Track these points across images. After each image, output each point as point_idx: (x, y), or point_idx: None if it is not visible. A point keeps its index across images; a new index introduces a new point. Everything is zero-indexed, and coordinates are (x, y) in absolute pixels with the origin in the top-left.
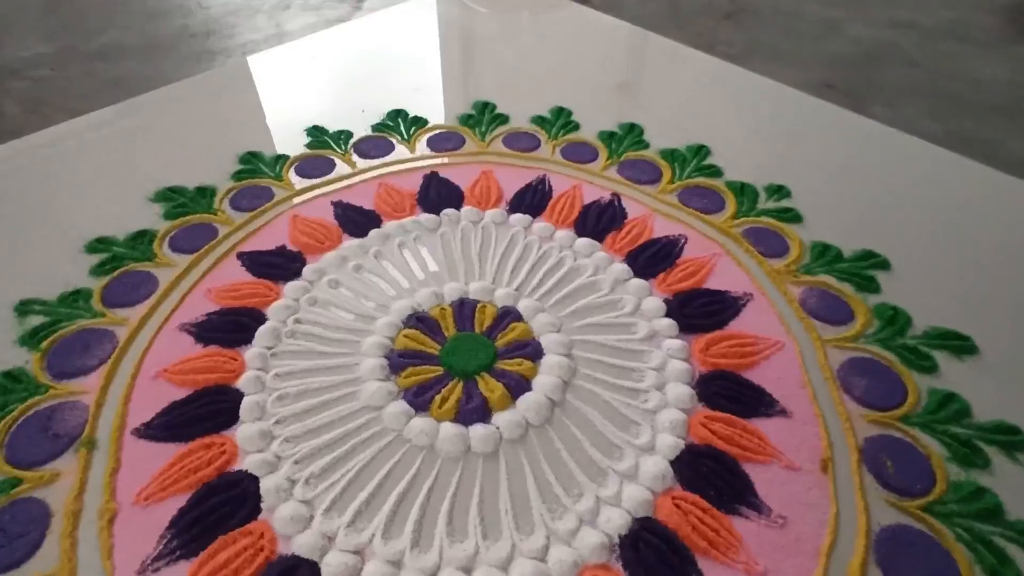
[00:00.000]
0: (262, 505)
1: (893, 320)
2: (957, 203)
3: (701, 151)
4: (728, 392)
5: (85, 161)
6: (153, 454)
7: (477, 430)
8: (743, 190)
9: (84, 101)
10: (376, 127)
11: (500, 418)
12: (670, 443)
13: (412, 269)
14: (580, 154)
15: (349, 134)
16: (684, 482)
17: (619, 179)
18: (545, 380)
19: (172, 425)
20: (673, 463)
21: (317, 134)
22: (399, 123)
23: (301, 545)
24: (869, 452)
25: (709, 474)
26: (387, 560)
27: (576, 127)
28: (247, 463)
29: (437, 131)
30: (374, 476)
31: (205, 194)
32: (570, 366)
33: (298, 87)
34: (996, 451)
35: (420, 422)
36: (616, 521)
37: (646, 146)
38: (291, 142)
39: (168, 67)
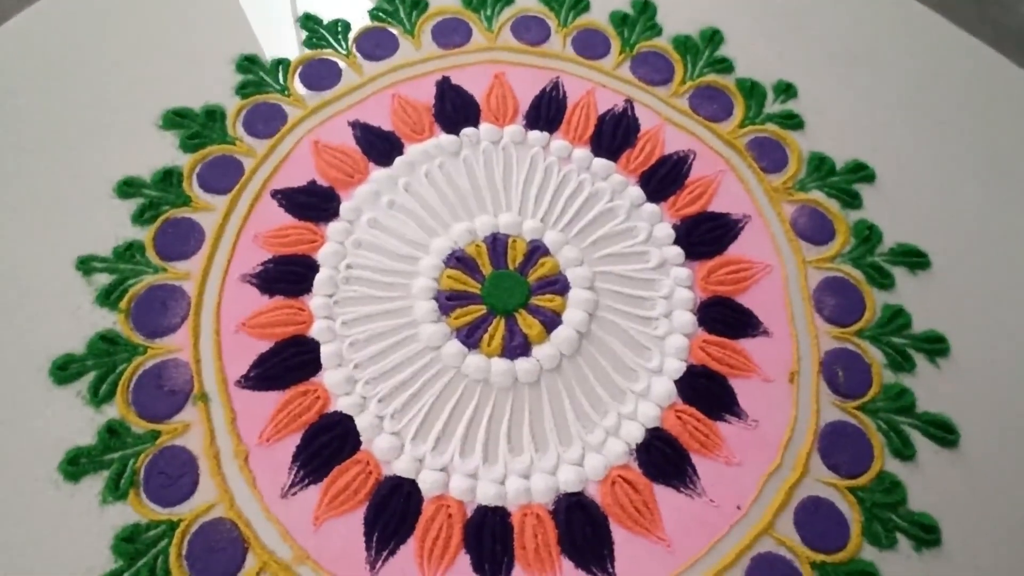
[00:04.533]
0: (361, 439)
1: (868, 238)
2: (954, 95)
3: (715, 37)
4: (723, 317)
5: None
6: (258, 401)
7: (522, 364)
8: (752, 91)
9: None
10: (373, 14)
11: (539, 351)
12: (675, 366)
13: (441, 200)
14: (592, 46)
15: (347, 25)
16: (684, 397)
17: (632, 79)
18: (574, 315)
19: (267, 376)
20: (677, 382)
21: (312, 27)
22: (398, 7)
23: (400, 468)
24: (827, 364)
25: (704, 390)
26: (466, 474)
27: (587, 7)
28: (340, 405)
29: (440, 17)
30: (445, 408)
31: (215, 117)
32: (594, 300)
33: None
34: (922, 357)
35: (474, 359)
36: (634, 433)
37: (659, 32)
38: (283, 37)
39: None
